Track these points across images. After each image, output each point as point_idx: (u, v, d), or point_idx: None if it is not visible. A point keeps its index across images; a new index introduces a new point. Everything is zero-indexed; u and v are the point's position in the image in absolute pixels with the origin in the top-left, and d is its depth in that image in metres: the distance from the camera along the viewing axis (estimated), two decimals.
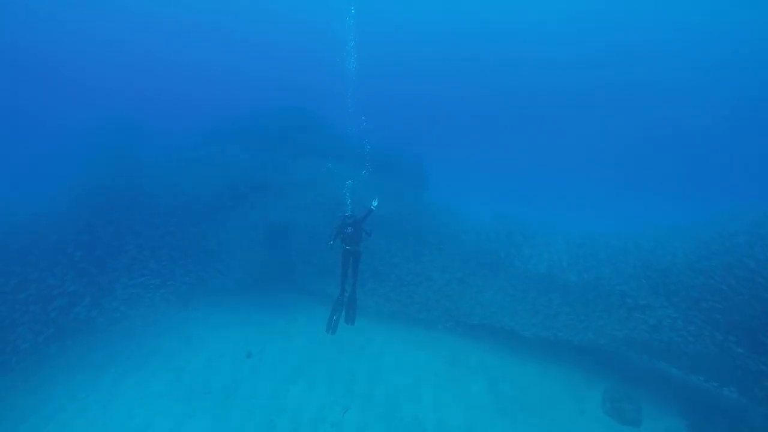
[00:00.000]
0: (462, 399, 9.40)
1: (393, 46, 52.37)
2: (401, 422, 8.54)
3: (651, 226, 12.31)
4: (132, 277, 13.83)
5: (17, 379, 9.07)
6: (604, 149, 60.92)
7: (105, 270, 13.24)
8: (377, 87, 51.96)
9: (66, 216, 13.40)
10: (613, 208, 34.47)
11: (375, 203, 8.12)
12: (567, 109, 59.08)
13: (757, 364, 8.20)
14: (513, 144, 61.02)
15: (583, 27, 46.65)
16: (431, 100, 60.99)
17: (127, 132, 17.70)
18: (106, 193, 14.06)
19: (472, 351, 11.54)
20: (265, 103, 19.60)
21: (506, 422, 8.73)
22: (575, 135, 61.66)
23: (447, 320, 11.96)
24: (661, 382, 10.25)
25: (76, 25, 42.68)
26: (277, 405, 8.91)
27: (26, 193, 15.26)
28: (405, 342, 11.87)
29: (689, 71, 48.62)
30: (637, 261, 10.93)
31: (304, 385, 9.63)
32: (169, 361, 10.30)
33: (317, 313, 12.69)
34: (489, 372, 10.57)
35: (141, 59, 50.22)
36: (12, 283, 10.08)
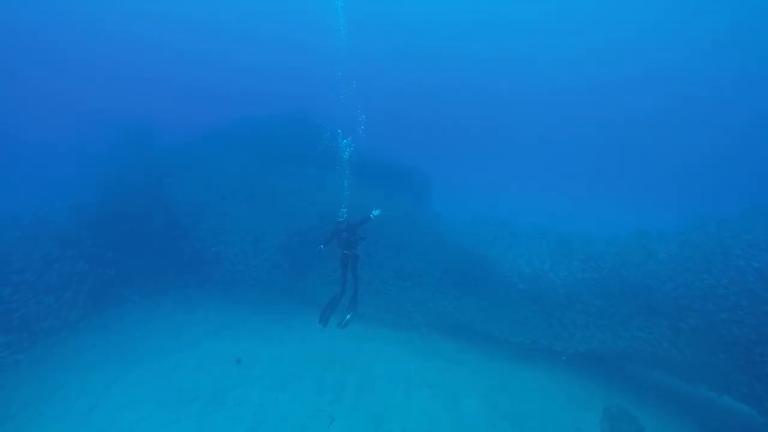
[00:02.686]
0: (453, 412, 9.08)
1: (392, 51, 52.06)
2: None
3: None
4: (135, 277, 14.10)
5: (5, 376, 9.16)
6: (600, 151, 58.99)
7: (109, 269, 13.48)
8: (379, 97, 51.54)
9: (82, 214, 13.73)
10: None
11: (376, 212, 8.04)
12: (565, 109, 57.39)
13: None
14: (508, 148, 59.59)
15: (581, 24, 45.49)
16: (435, 110, 59.99)
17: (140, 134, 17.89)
18: (124, 192, 14.30)
19: (467, 361, 11.23)
20: (264, 109, 19.67)
21: None
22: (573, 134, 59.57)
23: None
24: (669, 400, 9.76)
25: (84, 24, 43.56)
26: (263, 413, 8.74)
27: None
28: (400, 350, 11.63)
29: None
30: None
31: (292, 394, 9.45)
32: (160, 365, 10.24)
33: (314, 321, 12.51)
34: (484, 384, 10.23)
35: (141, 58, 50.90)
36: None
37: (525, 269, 11.47)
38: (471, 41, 48.66)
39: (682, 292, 9.41)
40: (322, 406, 9.07)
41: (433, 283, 12.30)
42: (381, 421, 8.66)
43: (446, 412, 9.10)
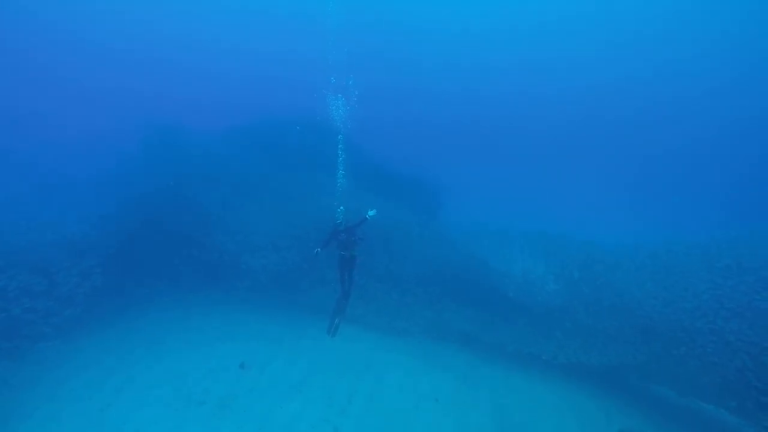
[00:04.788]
0: (462, 428, 8.54)
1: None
2: None
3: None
4: (156, 280, 14.51)
5: (27, 375, 9.56)
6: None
7: (133, 270, 13.94)
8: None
9: (107, 221, 14.28)
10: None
11: (372, 212, 8.01)
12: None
13: None
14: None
15: (584, 25, 43.10)
16: (444, 116, 58.28)
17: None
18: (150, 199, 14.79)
19: (482, 375, 10.64)
20: (275, 114, 19.77)
21: None
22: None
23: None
24: (687, 424, 8.70)
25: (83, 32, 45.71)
26: (269, 420, 8.61)
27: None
28: (413, 362, 11.19)
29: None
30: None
31: (300, 402, 9.28)
32: (174, 367, 10.38)
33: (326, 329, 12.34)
34: (496, 399, 9.65)
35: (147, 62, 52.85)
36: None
37: (532, 281, 10.88)
38: (472, 46, 47.52)
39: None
40: (328, 416, 8.84)
41: (437, 292, 11.87)
42: None
43: (455, 427, 8.59)
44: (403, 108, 54.88)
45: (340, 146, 10.11)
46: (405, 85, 54.19)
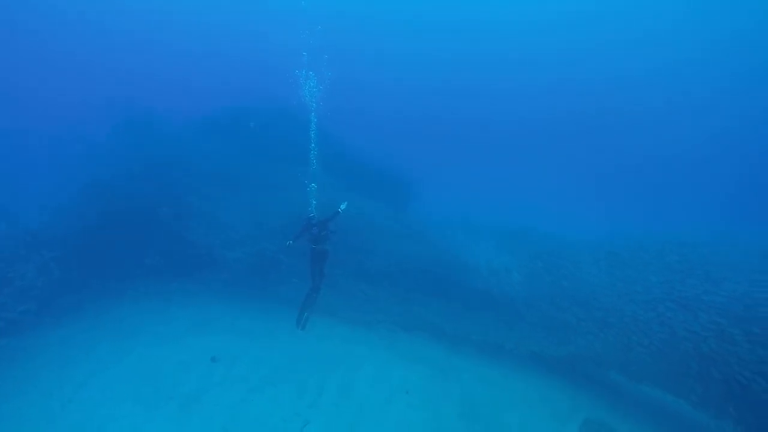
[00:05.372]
0: (432, 421, 8.82)
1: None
2: None
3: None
4: (124, 270, 14.05)
5: None
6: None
7: (99, 262, 13.45)
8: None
9: (73, 210, 13.66)
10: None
11: (343, 206, 8.22)
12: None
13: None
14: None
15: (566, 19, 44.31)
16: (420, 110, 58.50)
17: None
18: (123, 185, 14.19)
19: (452, 366, 10.97)
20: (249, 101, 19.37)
21: None
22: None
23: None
24: (657, 417, 9.35)
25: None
26: (237, 415, 8.61)
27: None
28: (384, 353, 11.39)
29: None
30: None
31: (271, 395, 9.29)
32: (143, 362, 10.19)
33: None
34: (466, 389, 9.97)
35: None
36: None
37: (498, 273, 11.35)
38: (451, 39, 47.78)
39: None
40: (299, 409, 8.91)
41: (406, 285, 12.15)
42: (356, 427, 8.46)
43: (425, 419, 8.85)
44: (374, 100, 54.73)
45: (312, 136, 10.08)
46: (376, 77, 54.05)
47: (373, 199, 14.88)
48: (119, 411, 8.39)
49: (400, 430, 8.46)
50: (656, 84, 47.39)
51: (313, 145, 10.00)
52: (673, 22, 39.90)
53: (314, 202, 8.54)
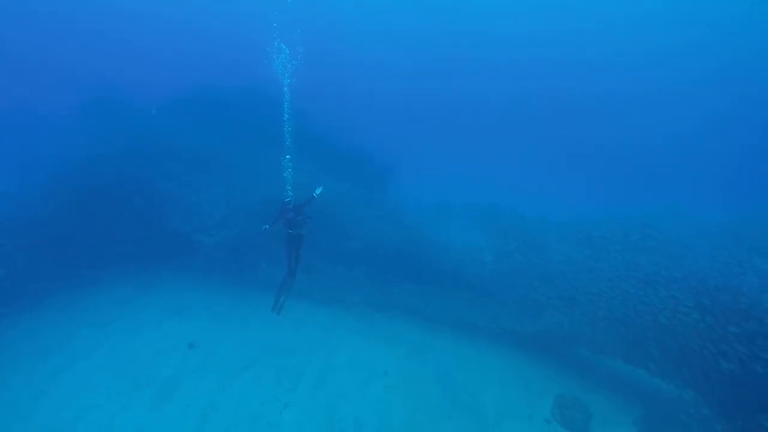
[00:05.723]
0: (409, 400, 9.11)
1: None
2: (340, 423, 8.30)
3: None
4: (97, 257, 13.64)
5: None
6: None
7: (71, 250, 13.01)
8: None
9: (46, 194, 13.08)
10: None
11: (318, 191, 8.21)
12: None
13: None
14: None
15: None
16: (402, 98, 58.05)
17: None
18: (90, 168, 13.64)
19: (428, 346, 11.28)
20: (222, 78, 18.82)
21: (450, 426, 8.46)
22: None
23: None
24: (625, 389, 9.92)
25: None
26: (217, 400, 8.68)
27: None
28: (361, 335, 11.60)
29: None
30: None
31: (250, 380, 9.38)
32: (119, 350, 10.07)
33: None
34: (443, 371, 10.28)
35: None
36: None
37: (471, 252, 11.65)
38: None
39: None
40: (278, 393, 9.04)
41: (382, 266, 12.32)
42: (335, 409, 8.67)
43: (403, 399, 9.14)
44: (347, 79, 53.69)
45: (286, 116, 9.88)
46: (352, 57, 52.84)
47: (349, 181, 14.85)
48: (94, 401, 8.32)
49: (378, 411, 8.70)
50: (633, 67, 48.15)
51: (287, 125, 9.82)
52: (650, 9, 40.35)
53: (290, 189, 8.46)
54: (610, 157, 50.69)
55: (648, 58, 46.50)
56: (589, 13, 43.58)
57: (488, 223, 12.89)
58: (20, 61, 44.20)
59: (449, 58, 52.45)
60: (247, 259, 13.69)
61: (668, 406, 9.00)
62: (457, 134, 54.65)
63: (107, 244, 13.87)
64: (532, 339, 10.75)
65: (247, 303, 12.84)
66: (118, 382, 8.95)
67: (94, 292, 12.78)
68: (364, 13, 47.53)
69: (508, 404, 9.26)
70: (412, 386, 9.59)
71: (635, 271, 9.80)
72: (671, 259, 10.06)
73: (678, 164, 48.51)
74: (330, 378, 9.68)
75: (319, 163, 14.64)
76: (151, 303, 12.47)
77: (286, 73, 10.08)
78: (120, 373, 9.25)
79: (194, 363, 9.83)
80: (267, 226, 8.11)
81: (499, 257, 11.71)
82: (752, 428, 6.61)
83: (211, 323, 11.58)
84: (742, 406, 6.94)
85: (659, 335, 8.16)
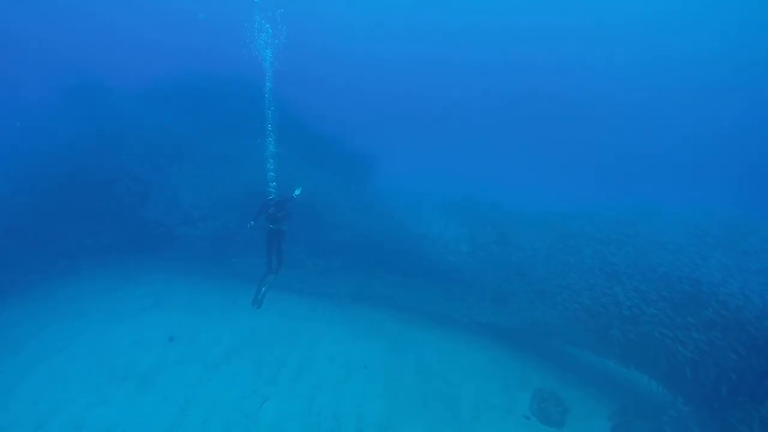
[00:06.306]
0: (388, 393, 9.19)
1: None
2: (318, 416, 8.35)
3: None
4: (75, 247, 13.37)
5: None
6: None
7: (46, 240, 12.73)
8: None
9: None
10: None
11: (297, 191, 8.30)
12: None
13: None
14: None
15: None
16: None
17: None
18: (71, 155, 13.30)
19: (408, 339, 11.42)
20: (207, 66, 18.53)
21: (427, 419, 8.56)
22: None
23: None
24: (600, 382, 10.19)
25: None
26: (195, 393, 8.68)
27: None
28: (342, 328, 11.67)
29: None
30: None
31: (229, 373, 9.37)
32: (95, 342, 9.96)
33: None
34: (423, 364, 10.39)
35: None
36: None
37: (448, 244, 11.87)
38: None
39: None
40: (257, 386, 9.05)
41: (362, 259, 12.45)
42: (314, 402, 8.71)
43: (382, 392, 9.22)
44: (328, 69, 53.19)
45: (269, 106, 9.81)
46: (335, 48, 52.29)
47: (329, 170, 14.87)
48: (69, 395, 8.22)
49: (358, 404, 8.79)
50: (625, 68, 48.79)
51: (269, 114, 9.77)
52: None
53: (273, 183, 8.44)
54: (593, 156, 51.89)
55: (645, 60, 47.10)
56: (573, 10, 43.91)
57: (465, 215, 13.13)
58: None
59: (433, 52, 52.32)
60: (228, 251, 13.64)
61: (642, 399, 9.26)
62: (438, 127, 54.93)
63: (86, 233, 13.64)
64: (507, 332, 11.03)
65: (227, 294, 12.83)
66: (94, 374, 8.86)
67: (72, 282, 12.60)
68: (348, 3, 47.03)
69: (487, 398, 9.40)
70: (392, 379, 9.67)
71: (603, 265, 10.16)
72: (639, 253, 10.47)
73: (660, 164, 50.02)
74: (310, 371, 9.72)
75: (300, 152, 14.59)
76: (131, 293, 12.35)
77: (268, 54, 9.96)
78: (96, 365, 9.16)
79: (173, 355, 9.78)
80: (252, 222, 8.16)
81: (475, 249, 11.98)
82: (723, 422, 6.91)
83: (191, 314, 11.52)
84: (710, 397, 7.33)
85: (623, 325, 8.55)
